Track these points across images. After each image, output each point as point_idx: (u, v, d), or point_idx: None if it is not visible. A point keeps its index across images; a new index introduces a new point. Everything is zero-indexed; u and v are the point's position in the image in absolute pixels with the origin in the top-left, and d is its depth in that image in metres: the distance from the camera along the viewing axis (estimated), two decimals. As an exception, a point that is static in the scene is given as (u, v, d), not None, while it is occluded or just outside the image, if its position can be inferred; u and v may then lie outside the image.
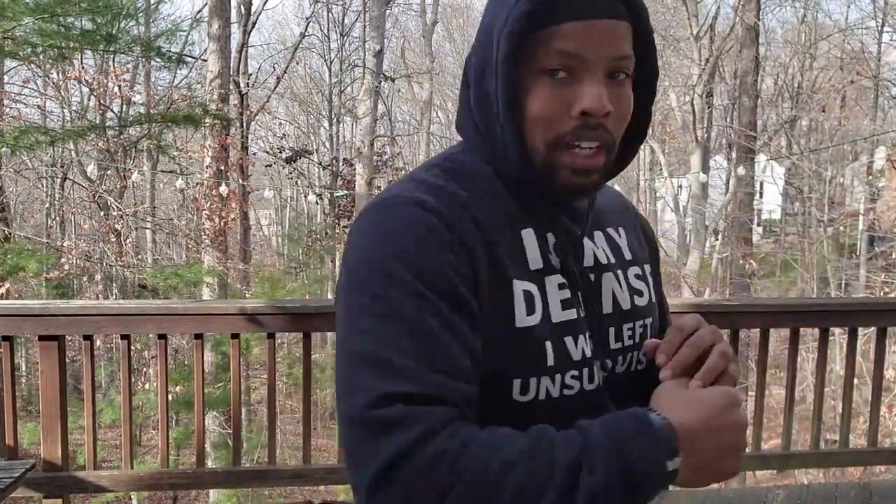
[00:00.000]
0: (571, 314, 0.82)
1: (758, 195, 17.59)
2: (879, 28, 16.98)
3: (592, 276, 0.87)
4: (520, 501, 0.65)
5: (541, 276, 0.81)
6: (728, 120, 16.79)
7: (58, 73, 11.64)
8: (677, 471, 0.69)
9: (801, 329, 3.38)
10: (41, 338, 2.72)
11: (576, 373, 0.81)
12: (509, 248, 0.80)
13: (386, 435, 0.66)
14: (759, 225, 20.32)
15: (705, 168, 15.20)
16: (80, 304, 3.23)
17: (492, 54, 0.79)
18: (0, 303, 4.29)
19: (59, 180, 14.42)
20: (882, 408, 4.44)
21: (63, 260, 10.14)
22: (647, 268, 0.96)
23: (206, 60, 10.09)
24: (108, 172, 11.64)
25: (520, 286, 0.79)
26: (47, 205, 15.06)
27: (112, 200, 11.25)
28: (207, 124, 8.85)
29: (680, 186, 18.47)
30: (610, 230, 0.92)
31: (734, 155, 13.81)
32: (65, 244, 11.79)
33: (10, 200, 14.41)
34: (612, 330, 0.87)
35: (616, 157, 0.84)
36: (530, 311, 0.79)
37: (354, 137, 14.79)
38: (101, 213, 11.68)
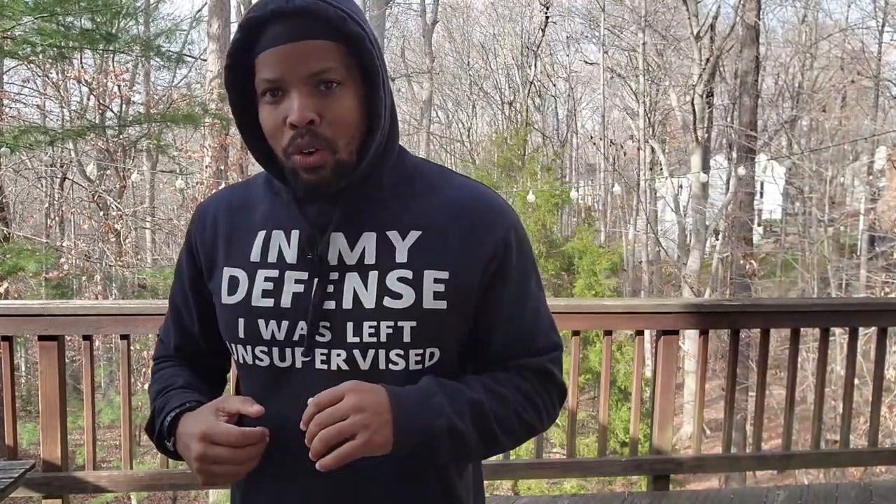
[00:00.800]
0: (268, 302, 0.98)
1: (758, 195, 17.58)
2: (880, 28, 16.97)
3: (336, 274, 0.97)
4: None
5: (254, 267, 1.00)
6: (728, 120, 16.78)
7: (57, 73, 11.63)
8: (174, 449, 1.00)
9: (802, 329, 3.38)
10: (41, 338, 2.72)
11: (264, 349, 0.98)
12: (239, 243, 1.02)
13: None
14: (759, 225, 20.31)
15: (706, 168, 15.20)
16: (80, 304, 3.23)
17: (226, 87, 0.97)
18: (0, 303, 4.29)
19: (58, 180, 14.42)
20: (882, 408, 4.44)
21: (62, 260, 10.13)
22: (439, 274, 0.96)
23: (205, 60, 10.09)
24: (108, 172, 11.63)
25: (228, 272, 1.02)
26: (47, 205, 15.06)
27: (111, 200, 11.25)
28: (207, 124, 8.85)
29: (680, 186, 18.46)
30: (390, 232, 0.97)
31: (735, 155, 13.80)
32: (64, 244, 11.77)
33: (10, 200, 14.40)
34: (350, 325, 0.95)
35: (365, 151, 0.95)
36: (231, 292, 1.01)
37: (354, 137, 14.76)
38: (101, 213, 11.67)
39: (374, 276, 0.96)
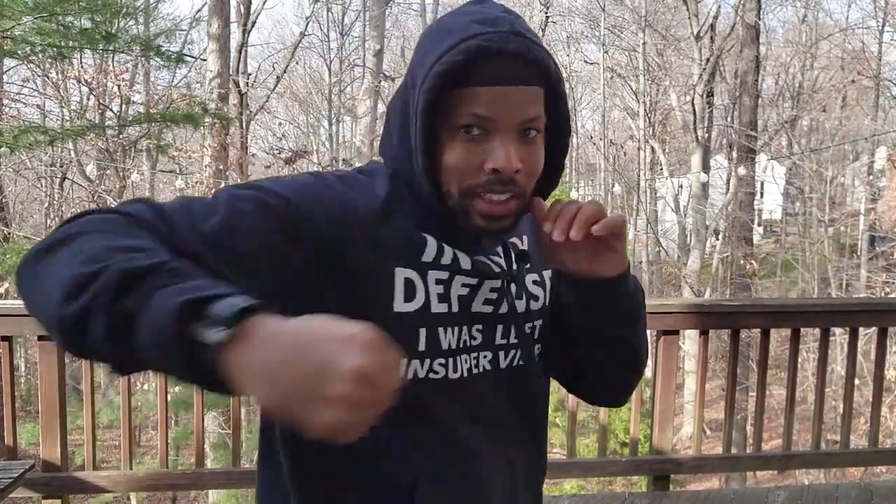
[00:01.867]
0: (443, 308, 0.90)
1: (758, 195, 17.58)
2: (880, 28, 16.98)
3: (498, 282, 0.94)
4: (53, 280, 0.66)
5: (425, 268, 0.89)
6: (729, 120, 16.78)
7: (57, 73, 11.63)
8: (220, 346, 0.58)
9: (802, 329, 3.38)
10: (40, 338, 2.72)
11: (443, 361, 0.90)
12: (401, 238, 0.88)
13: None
14: (759, 225, 20.31)
15: (706, 168, 15.20)
16: (79, 304, 3.22)
17: (412, 103, 0.87)
18: (0, 303, 4.28)
19: (58, 180, 14.42)
20: (883, 408, 4.44)
21: (63, 260, 10.12)
22: (547, 273, 1.02)
23: (205, 60, 10.09)
24: (108, 172, 11.64)
25: (402, 273, 0.87)
26: (46, 204, 15.05)
27: (111, 200, 11.25)
28: (207, 124, 8.84)
29: (681, 186, 18.46)
30: (514, 240, 0.99)
31: (735, 155, 13.81)
32: (64, 244, 11.76)
33: (10, 200, 14.41)
34: (499, 327, 0.95)
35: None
36: (409, 298, 0.88)
37: (354, 137, 14.78)
38: (101, 213, 11.65)
39: (519, 281, 0.97)
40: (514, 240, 0.99)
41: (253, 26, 13.94)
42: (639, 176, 19.00)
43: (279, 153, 16.76)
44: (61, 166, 13.84)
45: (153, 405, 7.63)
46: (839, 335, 9.95)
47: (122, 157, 11.61)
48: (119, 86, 12.18)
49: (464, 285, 0.91)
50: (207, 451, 6.18)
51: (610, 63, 21.22)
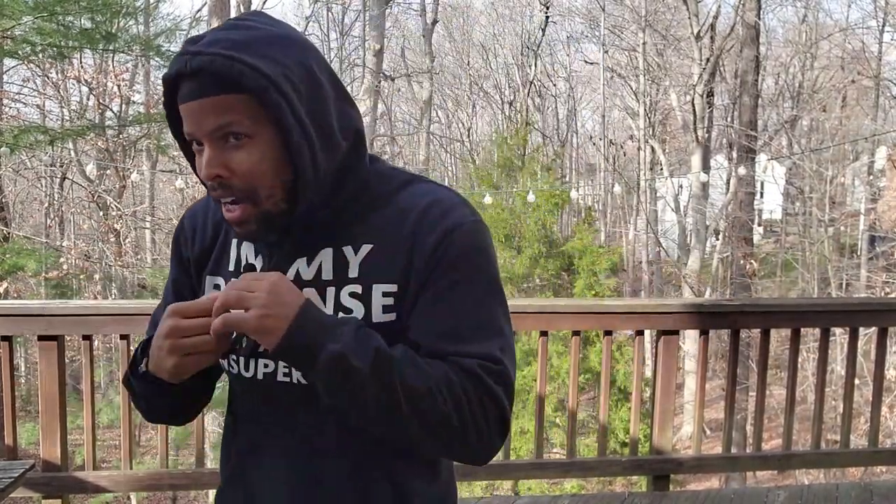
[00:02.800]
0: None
1: (758, 195, 17.58)
2: (880, 27, 16.97)
3: None
4: None
5: (229, 276, 1.04)
6: (729, 119, 16.79)
7: (57, 73, 11.64)
8: (146, 370, 0.98)
9: (802, 329, 3.37)
10: (40, 338, 2.71)
11: (234, 357, 1.01)
12: (221, 248, 1.05)
13: None
14: (759, 225, 20.31)
15: (706, 168, 15.20)
16: (80, 304, 3.23)
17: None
18: (0, 303, 4.28)
19: (58, 180, 14.42)
20: (883, 408, 4.44)
21: (62, 260, 10.13)
22: (387, 288, 0.95)
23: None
24: (108, 172, 11.64)
25: (212, 280, 1.06)
26: (46, 204, 15.06)
27: (111, 200, 11.25)
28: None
29: (680, 186, 18.47)
30: (346, 247, 0.97)
31: (735, 154, 13.81)
32: (64, 244, 11.78)
33: (10, 200, 14.40)
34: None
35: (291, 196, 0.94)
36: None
37: (354, 137, 14.77)
38: (101, 213, 11.67)
39: (331, 291, 0.96)
40: (346, 248, 0.96)
41: (253, 26, 13.91)
42: (639, 176, 19.00)
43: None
44: (61, 166, 13.84)
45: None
46: (839, 335, 9.95)
47: (122, 157, 11.61)
48: (119, 86, 12.18)
49: None
50: (207, 451, 6.17)
51: (610, 63, 21.23)
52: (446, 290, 0.95)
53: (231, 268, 1.04)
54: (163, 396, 1.00)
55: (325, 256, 0.97)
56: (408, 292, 0.95)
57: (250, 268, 1.00)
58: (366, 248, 0.96)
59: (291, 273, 0.97)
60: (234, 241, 1.04)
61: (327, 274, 0.96)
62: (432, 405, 0.89)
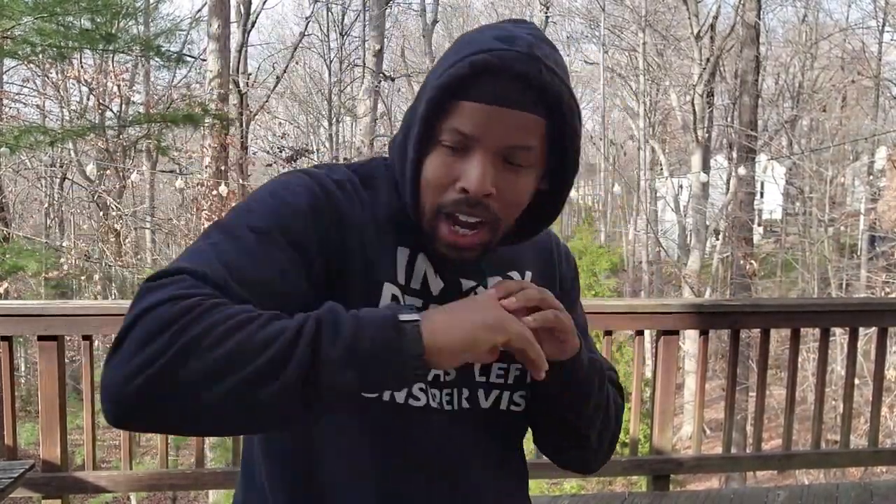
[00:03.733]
0: None
1: (758, 195, 17.58)
2: (880, 27, 16.98)
3: None
4: (235, 346, 0.67)
5: (402, 290, 0.87)
6: (729, 119, 16.78)
7: (57, 73, 11.64)
8: (422, 356, 0.72)
9: (802, 329, 3.37)
10: (40, 338, 2.71)
11: (423, 387, 0.86)
12: (381, 254, 0.87)
13: (152, 290, 0.72)
14: (759, 225, 20.31)
15: (706, 168, 15.20)
16: (80, 305, 3.23)
17: (416, 109, 0.85)
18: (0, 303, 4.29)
19: (58, 180, 14.43)
20: (883, 408, 4.44)
21: (62, 260, 10.13)
22: None
23: (205, 60, 10.08)
24: (108, 172, 11.64)
25: (389, 289, 0.86)
26: (46, 205, 15.06)
27: (111, 200, 11.26)
28: (207, 124, 8.84)
29: (681, 186, 18.47)
30: (512, 273, 0.96)
31: (735, 155, 13.80)
32: (64, 244, 11.78)
33: (10, 200, 14.40)
34: (476, 365, 0.91)
35: (518, 231, 0.90)
36: None
37: (354, 137, 14.79)
38: (101, 213, 11.68)
39: None
40: (512, 273, 0.95)
41: (253, 26, 13.95)
42: (639, 176, 19.01)
43: (280, 152, 16.77)
44: (61, 166, 13.84)
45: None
46: (839, 335, 9.94)
47: (122, 157, 11.61)
48: (119, 86, 12.18)
49: None
50: (207, 452, 6.18)
51: (610, 63, 21.23)
52: (580, 308, 1.05)
53: (402, 280, 0.87)
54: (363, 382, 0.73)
55: (493, 282, 0.93)
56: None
57: (430, 295, 0.89)
58: (528, 275, 0.97)
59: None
60: (404, 251, 0.88)
61: None
62: (616, 408, 1.02)
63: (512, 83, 0.80)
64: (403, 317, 0.72)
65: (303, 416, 0.71)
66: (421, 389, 0.87)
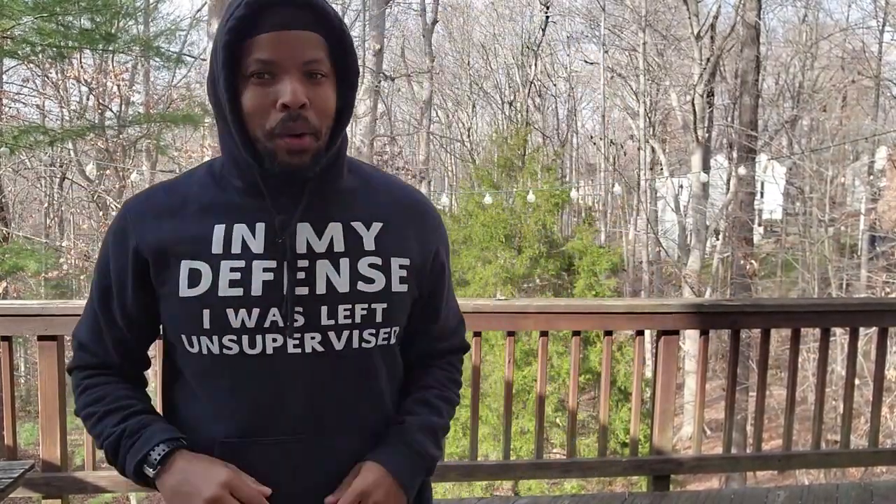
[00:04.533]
0: (237, 291, 1.01)
1: (759, 195, 17.57)
2: (880, 27, 16.97)
3: (306, 262, 1.02)
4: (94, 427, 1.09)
5: (217, 259, 1.01)
6: (729, 119, 16.78)
7: (57, 73, 11.64)
8: (153, 477, 1.01)
9: (802, 329, 3.37)
10: (40, 338, 2.71)
11: (233, 337, 1.01)
12: (193, 237, 1.02)
13: (73, 356, 1.16)
14: (759, 225, 20.30)
15: (706, 168, 15.20)
16: (80, 304, 3.22)
17: (215, 66, 0.98)
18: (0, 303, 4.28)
19: (57, 180, 14.42)
20: (883, 408, 4.43)
21: (62, 260, 10.13)
22: (402, 261, 1.08)
23: (205, 60, 10.08)
24: (107, 172, 11.64)
25: (187, 265, 1.02)
26: (46, 205, 15.06)
27: (111, 200, 11.25)
28: (206, 124, 8.84)
29: (681, 186, 18.46)
30: (355, 223, 1.06)
31: (735, 154, 13.80)
32: (63, 244, 11.78)
33: (10, 200, 14.40)
34: (324, 308, 1.02)
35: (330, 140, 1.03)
36: (192, 284, 1.01)
37: (354, 137, 14.77)
38: (100, 213, 11.67)
39: (345, 262, 1.03)
40: (355, 223, 1.06)
41: (253, 26, 13.90)
42: (639, 176, 19.00)
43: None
44: (61, 166, 13.84)
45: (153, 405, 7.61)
46: (839, 335, 9.94)
47: (122, 157, 11.61)
48: (119, 86, 12.18)
49: (265, 269, 1.01)
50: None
51: (610, 63, 21.22)
52: (448, 283, 1.19)
53: (219, 250, 1.02)
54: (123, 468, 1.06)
55: (335, 230, 1.04)
56: (417, 269, 1.10)
57: (251, 253, 1.02)
58: (377, 226, 1.07)
59: (301, 246, 1.02)
60: (220, 227, 1.03)
61: (339, 246, 1.04)
62: (450, 409, 1.20)
63: (285, 9, 0.95)
64: (151, 455, 1.02)
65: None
66: (231, 340, 1.02)
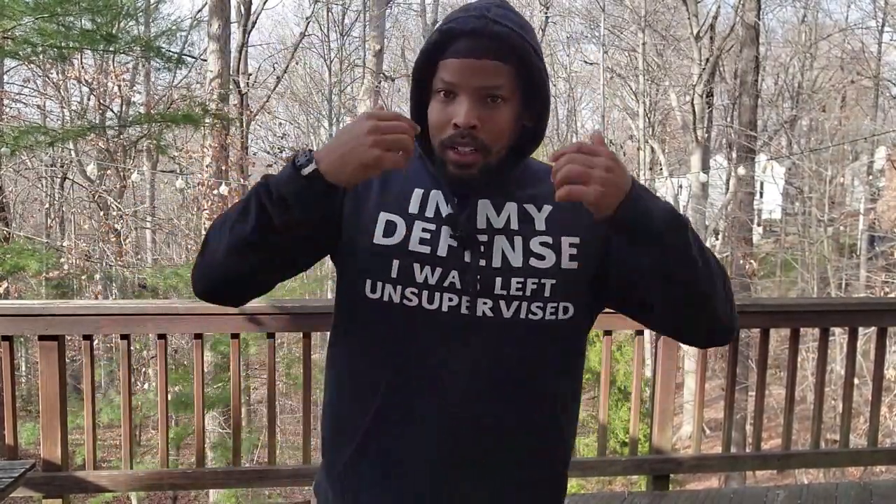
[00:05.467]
0: (426, 249, 1.10)
1: (758, 195, 17.58)
2: (880, 28, 16.98)
3: (485, 236, 1.11)
4: (224, 230, 1.07)
5: (412, 218, 1.11)
6: (728, 120, 16.78)
7: (57, 73, 11.62)
8: (317, 169, 0.99)
9: (802, 329, 3.37)
10: (41, 338, 2.72)
11: (415, 290, 1.09)
12: (394, 193, 1.14)
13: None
14: (759, 225, 20.31)
15: (705, 168, 15.20)
16: (80, 304, 3.24)
17: (413, 77, 1.13)
18: (0, 303, 4.29)
19: (58, 180, 14.42)
20: (882, 408, 4.43)
21: (63, 260, 10.12)
22: (572, 240, 1.13)
23: (205, 60, 10.09)
24: (108, 172, 11.63)
25: (384, 216, 1.12)
26: (47, 205, 15.05)
27: (112, 200, 11.25)
28: (207, 124, 8.84)
29: (680, 186, 18.47)
30: (528, 206, 1.14)
31: (734, 155, 13.81)
32: (64, 244, 11.78)
33: (10, 200, 14.40)
34: (498, 279, 1.10)
35: (511, 156, 1.13)
36: (388, 234, 1.11)
37: (354, 137, 14.76)
38: (101, 213, 11.67)
39: (518, 240, 1.12)
40: (528, 206, 1.14)
41: (253, 26, 13.94)
42: (639, 176, 18.99)
43: (280, 152, 16.76)
44: (62, 166, 13.83)
45: (153, 405, 7.63)
46: (839, 335, 9.95)
47: (123, 157, 11.61)
48: (119, 86, 12.18)
49: (451, 236, 1.10)
50: (207, 451, 6.18)
51: (610, 63, 21.21)
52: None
53: (415, 210, 1.12)
54: (304, 211, 1.01)
55: (511, 210, 1.13)
56: (589, 247, 1.14)
57: (441, 219, 1.11)
58: (547, 208, 1.14)
59: (482, 222, 1.12)
60: (419, 191, 1.14)
61: (514, 224, 1.13)
62: (716, 264, 1.09)
63: (473, 39, 1.05)
64: (298, 159, 1.01)
65: (270, 236, 1.03)
66: (413, 293, 1.09)
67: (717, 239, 16.34)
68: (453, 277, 1.09)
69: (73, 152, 12.79)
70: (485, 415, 1.09)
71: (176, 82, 15.19)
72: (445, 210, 1.12)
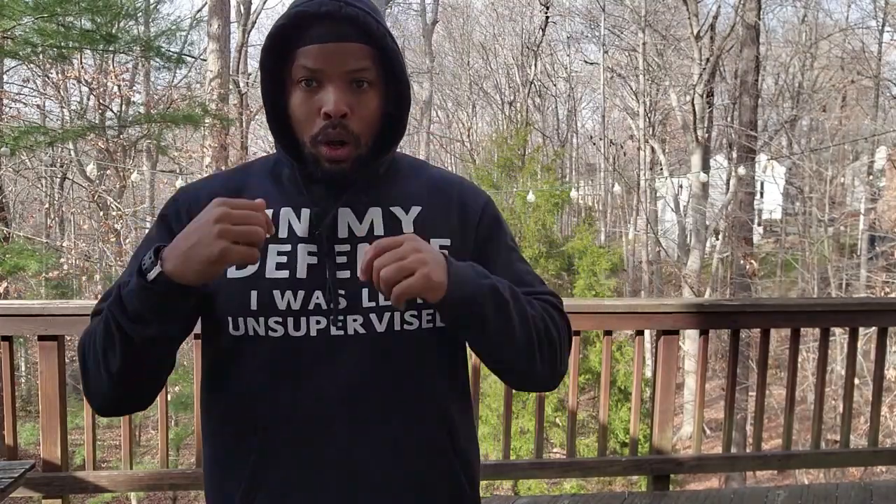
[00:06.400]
0: (283, 273, 1.03)
1: (758, 195, 17.57)
2: (880, 27, 16.98)
3: (347, 246, 1.05)
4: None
5: (265, 243, 1.01)
6: (728, 119, 16.78)
7: (57, 73, 11.62)
8: (162, 272, 0.90)
9: (802, 329, 3.37)
10: (41, 338, 2.71)
11: (278, 319, 1.02)
12: None
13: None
14: (759, 225, 20.31)
15: (706, 168, 15.20)
16: (80, 304, 3.22)
17: (262, 67, 1.04)
18: (0, 303, 4.29)
19: (58, 180, 14.42)
20: (883, 408, 4.44)
21: (62, 260, 10.13)
22: (442, 242, 1.08)
23: (205, 60, 10.09)
24: (108, 172, 11.64)
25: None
26: (47, 205, 15.05)
27: (111, 200, 11.25)
28: (207, 124, 8.84)
29: (680, 186, 18.47)
30: (395, 208, 1.09)
31: (735, 154, 13.80)
32: (64, 244, 11.77)
33: (10, 200, 14.40)
34: (365, 291, 1.04)
35: (377, 147, 1.06)
36: (241, 266, 1.03)
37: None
38: (101, 213, 11.67)
39: None
40: (394, 208, 1.08)
41: (253, 26, 13.96)
42: (639, 176, 19.00)
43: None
44: (61, 166, 13.84)
45: (153, 405, 7.62)
46: (839, 335, 9.95)
47: (123, 157, 11.61)
48: (119, 86, 12.18)
49: (310, 253, 1.04)
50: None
51: (610, 63, 21.23)
52: (504, 249, 1.15)
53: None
54: (162, 322, 0.93)
55: (375, 215, 1.07)
56: (460, 247, 1.10)
57: (296, 237, 1.04)
58: (415, 209, 1.09)
59: (343, 231, 1.05)
60: (268, 213, 1.02)
61: (379, 230, 1.07)
62: (544, 325, 1.06)
63: (329, 23, 0.99)
64: (144, 262, 0.92)
65: (145, 353, 0.96)
66: (277, 322, 1.02)
67: (717, 239, 16.34)
68: (317, 298, 1.02)
69: (72, 152, 12.80)
70: (375, 437, 1.03)
71: (176, 82, 15.19)
72: (299, 227, 1.05)
